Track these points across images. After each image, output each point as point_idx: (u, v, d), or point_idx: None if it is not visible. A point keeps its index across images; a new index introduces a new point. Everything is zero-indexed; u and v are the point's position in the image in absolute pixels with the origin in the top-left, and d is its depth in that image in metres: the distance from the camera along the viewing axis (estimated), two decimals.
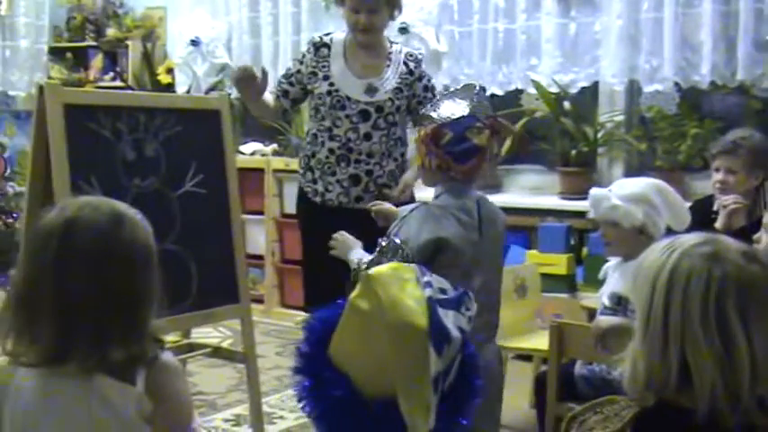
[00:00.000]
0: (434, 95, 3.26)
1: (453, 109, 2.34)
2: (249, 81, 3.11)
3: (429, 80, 3.32)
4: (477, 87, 2.48)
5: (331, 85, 3.16)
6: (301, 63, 3.23)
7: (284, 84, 3.25)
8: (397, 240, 2.30)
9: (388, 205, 2.74)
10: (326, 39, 3.25)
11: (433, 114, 2.36)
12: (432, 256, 2.24)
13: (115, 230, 1.52)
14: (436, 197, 2.38)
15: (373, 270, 1.48)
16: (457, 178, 2.33)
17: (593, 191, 2.87)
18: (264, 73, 3.15)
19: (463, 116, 2.32)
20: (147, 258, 1.56)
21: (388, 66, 3.20)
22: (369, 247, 3.04)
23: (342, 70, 3.17)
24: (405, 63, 3.22)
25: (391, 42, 3.30)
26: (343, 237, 2.63)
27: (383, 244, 2.33)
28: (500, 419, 2.55)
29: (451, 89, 2.52)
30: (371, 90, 3.15)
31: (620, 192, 2.77)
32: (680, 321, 1.33)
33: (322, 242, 3.22)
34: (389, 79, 3.18)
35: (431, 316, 1.44)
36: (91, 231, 1.50)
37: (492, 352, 2.45)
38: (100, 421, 1.50)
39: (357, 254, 2.50)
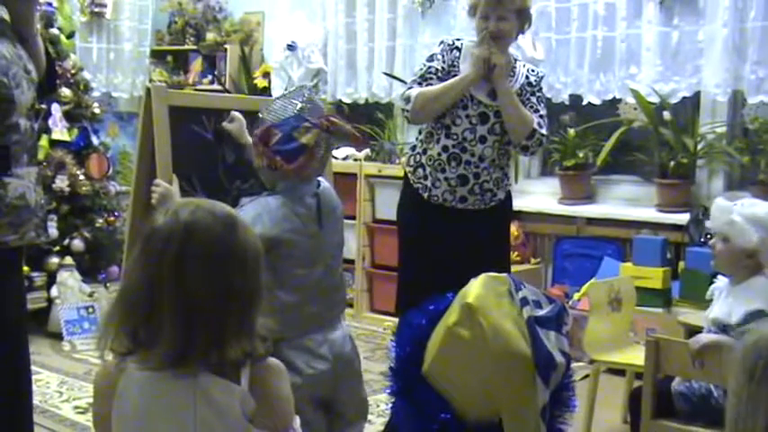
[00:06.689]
0: (539, 109, 3.27)
1: (285, 111, 2.42)
2: None
3: (540, 90, 3.30)
4: (310, 88, 2.61)
5: None
6: (435, 60, 3.26)
7: (423, 84, 3.24)
8: None
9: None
10: (458, 42, 3.29)
11: (266, 116, 2.43)
12: (265, 251, 2.33)
13: (231, 233, 1.55)
14: (276, 192, 2.43)
15: (473, 297, 1.46)
16: (288, 176, 2.40)
17: (719, 200, 2.85)
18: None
19: (291, 116, 2.39)
20: (257, 258, 1.60)
21: (512, 77, 3.22)
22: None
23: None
24: (526, 76, 3.25)
25: (515, 59, 3.32)
26: (167, 188, 2.63)
27: None
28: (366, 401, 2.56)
29: (286, 92, 2.59)
30: (494, 94, 3.17)
31: (744, 210, 2.73)
32: None
33: (422, 241, 3.25)
34: (512, 88, 3.20)
35: (534, 342, 1.42)
36: (210, 235, 1.53)
37: (343, 335, 2.48)
38: (204, 420, 1.52)
39: None
